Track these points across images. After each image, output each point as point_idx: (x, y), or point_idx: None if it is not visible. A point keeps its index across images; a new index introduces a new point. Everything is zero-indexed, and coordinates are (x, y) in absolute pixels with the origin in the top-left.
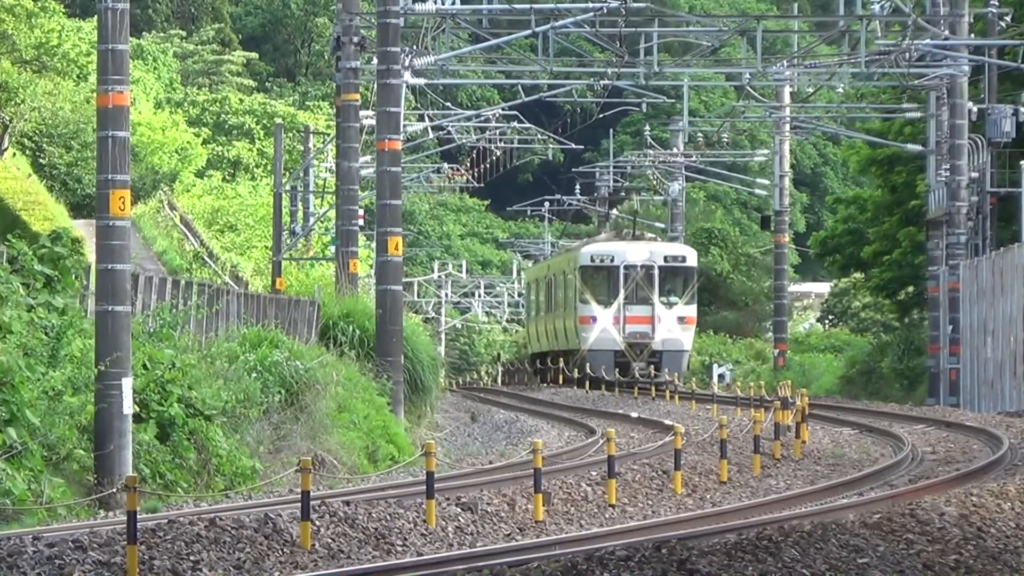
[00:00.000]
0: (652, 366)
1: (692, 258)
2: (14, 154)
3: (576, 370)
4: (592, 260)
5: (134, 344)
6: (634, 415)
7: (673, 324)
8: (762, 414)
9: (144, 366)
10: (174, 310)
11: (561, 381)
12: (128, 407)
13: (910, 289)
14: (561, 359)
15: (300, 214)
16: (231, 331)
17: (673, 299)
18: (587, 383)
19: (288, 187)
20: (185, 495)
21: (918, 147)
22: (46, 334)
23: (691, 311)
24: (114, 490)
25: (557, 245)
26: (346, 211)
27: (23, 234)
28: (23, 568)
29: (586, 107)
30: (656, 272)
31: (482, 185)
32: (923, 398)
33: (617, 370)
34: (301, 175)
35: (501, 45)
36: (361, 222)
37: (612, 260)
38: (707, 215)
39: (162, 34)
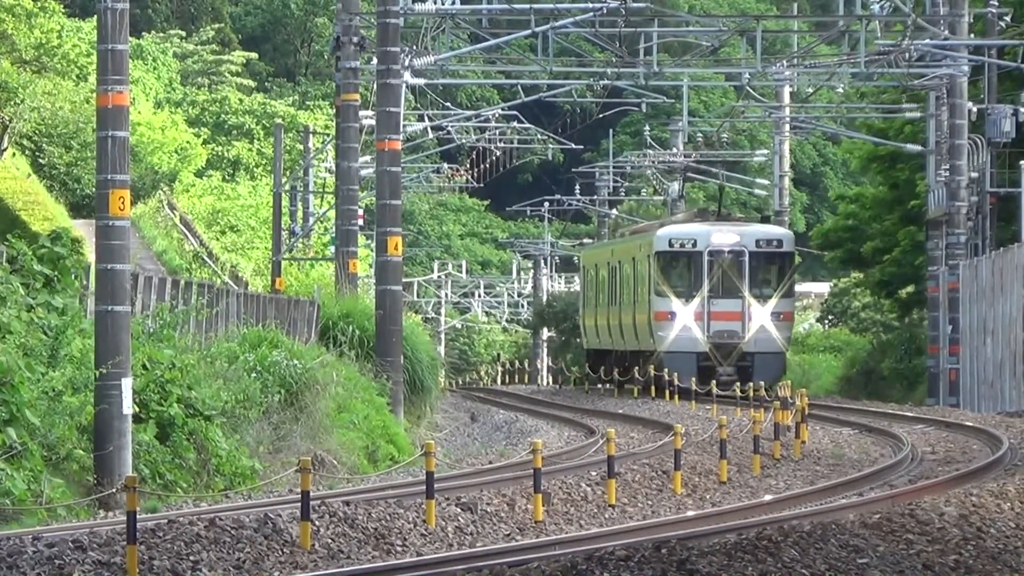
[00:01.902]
0: (741, 372)
1: (789, 242)
2: (14, 154)
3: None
4: (671, 244)
5: (134, 344)
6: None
7: (767, 321)
8: (762, 414)
9: (144, 366)
10: (174, 310)
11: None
12: (128, 407)
13: (910, 288)
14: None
15: (300, 214)
16: (231, 331)
17: (767, 291)
18: (668, 392)
19: (288, 187)
20: (185, 495)
21: (918, 147)
22: (46, 334)
23: (788, 306)
24: (114, 490)
25: (557, 245)
26: (346, 211)
27: (23, 234)
28: (23, 568)
29: (586, 107)
30: (747, 259)
31: (482, 185)
32: (923, 398)
33: (698, 377)
34: (301, 175)
35: (501, 45)
36: (361, 222)
37: (695, 244)
38: None
39: (162, 34)
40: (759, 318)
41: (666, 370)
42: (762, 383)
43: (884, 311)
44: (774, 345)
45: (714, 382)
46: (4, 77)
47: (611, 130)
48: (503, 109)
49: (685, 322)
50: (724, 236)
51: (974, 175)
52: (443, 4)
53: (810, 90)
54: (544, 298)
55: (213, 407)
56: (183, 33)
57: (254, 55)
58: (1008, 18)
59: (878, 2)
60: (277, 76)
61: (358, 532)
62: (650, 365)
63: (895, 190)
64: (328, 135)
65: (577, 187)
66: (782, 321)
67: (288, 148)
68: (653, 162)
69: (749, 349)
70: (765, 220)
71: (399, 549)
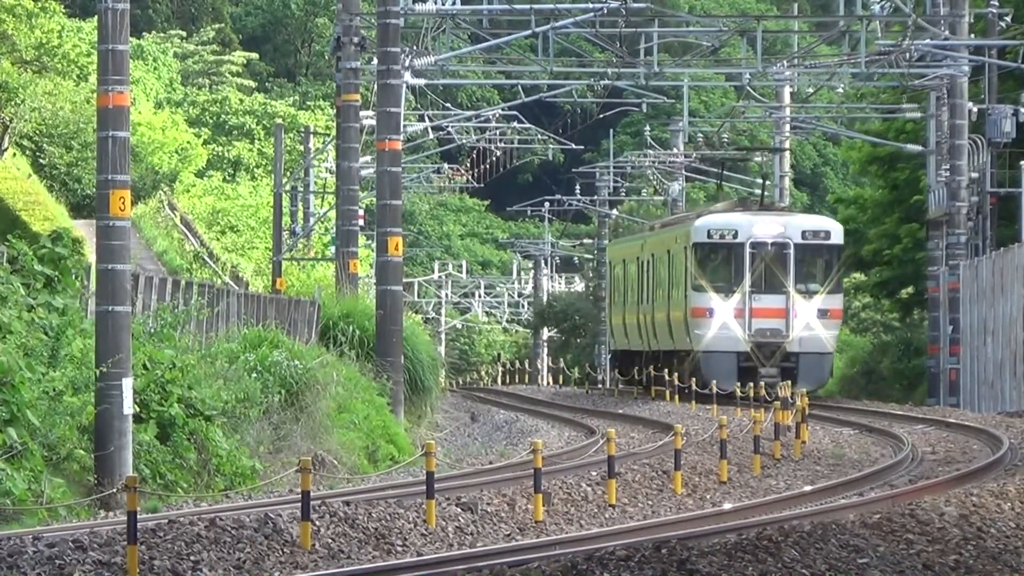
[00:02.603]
0: (784, 373)
1: (837, 234)
2: (14, 154)
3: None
4: (710, 236)
5: (134, 344)
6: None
7: (812, 318)
8: (762, 414)
9: (144, 366)
10: (174, 310)
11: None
12: (128, 407)
13: (910, 289)
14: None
15: (300, 214)
16: (231, 331)
17: (813, 286)
18: (707, 396)
19: (288, 187)
20: (185, 495)
21: (918, 147)
22: (46, 334)
23: (836, 302)
24: (114, 490)
25: (557, 245)
26: (346, 211)
27: (23, 234)
28: (23, 568)
29: (586, 107)
30: (791, 251)
31: (482, 185)
32: (923, 398)
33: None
34: (301, 175)
35: (501, 45)
36: (361, 222)
37: (735, 236)
38: None
39: (162, 34)
40: (804, 315)
41: (703, 372)
42: (806, 388)
43: (884, 311)
44: (820, 345)
45: (756, 384)
46: (4, 77)
47: (611, 130)
48: (503, 109)
49: (724, 319)
50: (767, 227)
51: (974, 175)
52: (443, 4)
53: (810, 90)
54: (544, 298)
55: (213, 407)
56: (183, 33)
57: (255, 55)
58: (1008, 18)
59: (878, 2)
60: (277, 76)
61: (358, 532)
62: (686, 366)
63: (895, 191)
64: (329, 135)
65: (577, 187)
66: (829, 319)
67: (288, 148)
68: (653, 162)
69: (793, 349)
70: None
71: (399, 549)
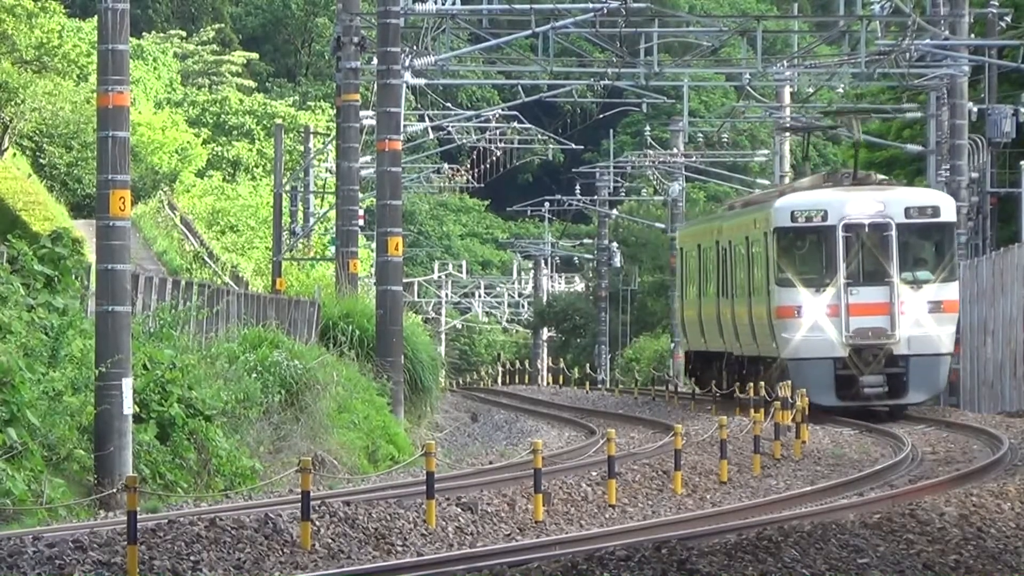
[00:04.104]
0: (891, 382)
1: (948, 209)
2: (14, 154)
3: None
4: (794, 218)
5: (134, 344)
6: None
7: (923, 313)
8: (762, 414)
9: (144, 366)
10: (174, 310)
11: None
12: (128, 407)
13: None
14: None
15: (300, 214)
16: (231, 331)
17: (922, 274)
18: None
19: (288, 187)
20: (185, 495)
21: (918, 147)
22: (46, 334)
23: (950, 292)
24: (114, 490)
25: (557, 245)
26: (346, 211)
27: (23, 234)
28: (23, 568)
29: (586, 107)
30: (894, 233)
31: (482, 185)
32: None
33: (836, 390)
34: (301, 175)
35: (501, 45)
36: (361, 222)
37: (824, 217)
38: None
39: (162, 34)
40: (913, 310)
41: (792, 383)
42: (919, 399)
43: None
44: (933, 345)
45: (856, 396)
46: (5, 77)
47: (611, 130)
48: (503, 109)
49: (816, 319)
50: (863, 204)
51: (974, 175)
52: (443, 4)
53: (810, 90)
54: (544, 298)
55: (213, 407)
56: (183, 33)
57: (255, 55)
58: (1008, 18)
59: (878, 2)
60: (277, 76)
61: (358, 532)
62: (771, 375)
63: None
64: (328, 135)
65: (577, 187)
66: (943, 313)
67: (288, 148)
68: (653, 162)
69: (901, 351)
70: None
71: (399, 549)
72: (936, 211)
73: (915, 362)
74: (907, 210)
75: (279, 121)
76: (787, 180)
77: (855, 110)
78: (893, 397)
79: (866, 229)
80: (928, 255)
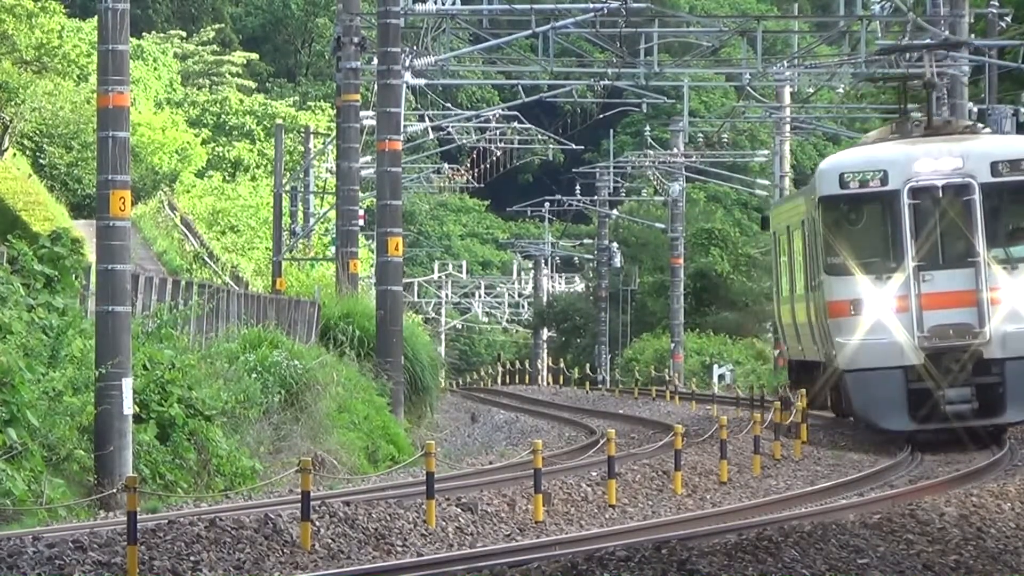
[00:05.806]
0: (982, 394)
1: None
2: (14, 154)
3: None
4: (844, 184)
5: (134, 344)
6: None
7: (1022, 303)
8: (761, 414)
9: (144, 366)
10: (174, 311)
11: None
12: (128, 407)
13: None
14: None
15: (300, 215)
16: (231, 331)
17: (1018, 250)
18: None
19: (288, 187)
20: (185, 495)
21: None
22: (46, 334)
23: None
24: (114, 490)
25: (558, 245)
26: (346, 211)
27: (23, 234)
28: (23, 568)
29: (586, 107)
30: (978, 197)
31: (482, 185)
32: None
33: (909, 407)
34: (301, 176)
35: (501, 45)
36: (361, 222)
37: (884, 180)
38: (707, 216)
39: (162, 35)
40: (1009, 298)
41: (851, 399)
42: (1020, 418)
43: None
44: None
45: (938, 415)
46: (5, 77)
47: (611, 130)
48: (503, 109)
49: (878, 316)
50: (935, 160)
51: None
52: (443, 4)
53: (810, 90)
54: (544, 298)
55: (213, 407)
56: (183, 34)
57: (255, 55)
58: (1008, 18)
59: (878, 2)
60: (278, 76)
61: (358, 532)
62: (824, 387)
63: None
64: (329, 136)
65: (577, 187)
66: None
67: (289, 149)
68: (654, 162)
69: (994, 354)
70: (765, 222)
71: (399, 549)
72: None
73: (1013, 367)
74: (995, 165)
75: (279, 121)
76: (787, 180)
77: (926, 46)
78: (986, 416)
79: (940, 193)
80: None
